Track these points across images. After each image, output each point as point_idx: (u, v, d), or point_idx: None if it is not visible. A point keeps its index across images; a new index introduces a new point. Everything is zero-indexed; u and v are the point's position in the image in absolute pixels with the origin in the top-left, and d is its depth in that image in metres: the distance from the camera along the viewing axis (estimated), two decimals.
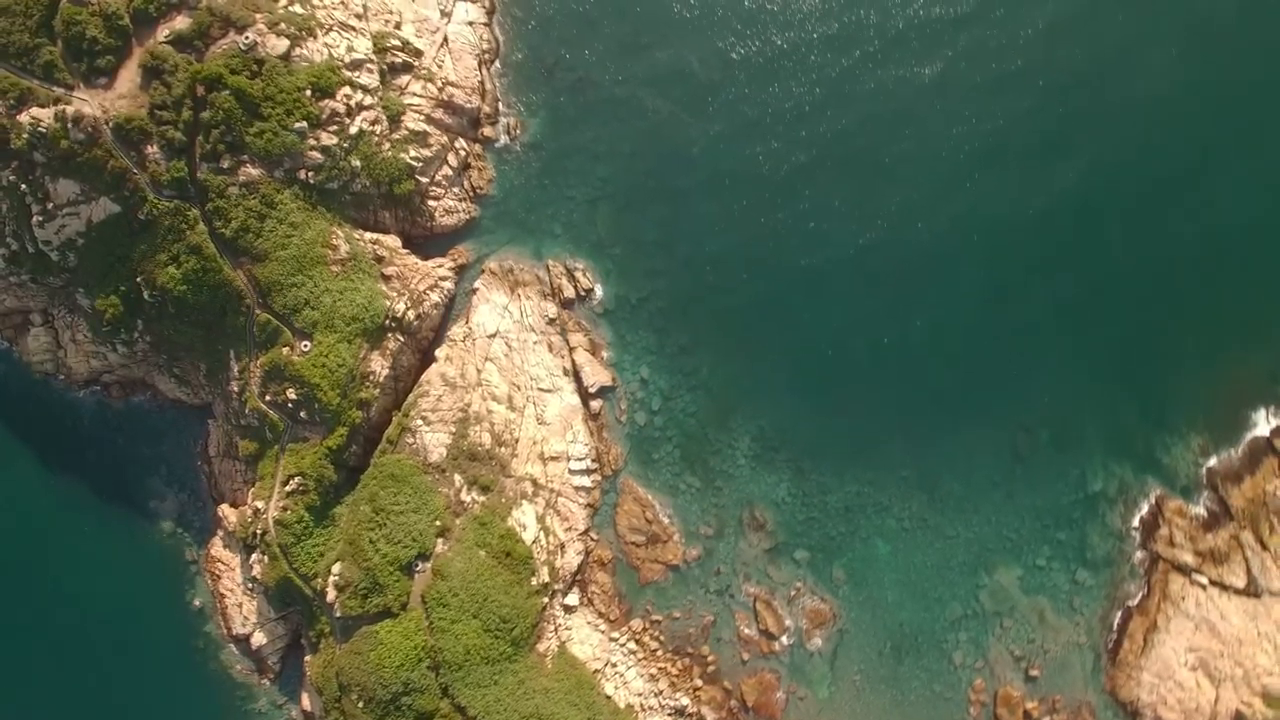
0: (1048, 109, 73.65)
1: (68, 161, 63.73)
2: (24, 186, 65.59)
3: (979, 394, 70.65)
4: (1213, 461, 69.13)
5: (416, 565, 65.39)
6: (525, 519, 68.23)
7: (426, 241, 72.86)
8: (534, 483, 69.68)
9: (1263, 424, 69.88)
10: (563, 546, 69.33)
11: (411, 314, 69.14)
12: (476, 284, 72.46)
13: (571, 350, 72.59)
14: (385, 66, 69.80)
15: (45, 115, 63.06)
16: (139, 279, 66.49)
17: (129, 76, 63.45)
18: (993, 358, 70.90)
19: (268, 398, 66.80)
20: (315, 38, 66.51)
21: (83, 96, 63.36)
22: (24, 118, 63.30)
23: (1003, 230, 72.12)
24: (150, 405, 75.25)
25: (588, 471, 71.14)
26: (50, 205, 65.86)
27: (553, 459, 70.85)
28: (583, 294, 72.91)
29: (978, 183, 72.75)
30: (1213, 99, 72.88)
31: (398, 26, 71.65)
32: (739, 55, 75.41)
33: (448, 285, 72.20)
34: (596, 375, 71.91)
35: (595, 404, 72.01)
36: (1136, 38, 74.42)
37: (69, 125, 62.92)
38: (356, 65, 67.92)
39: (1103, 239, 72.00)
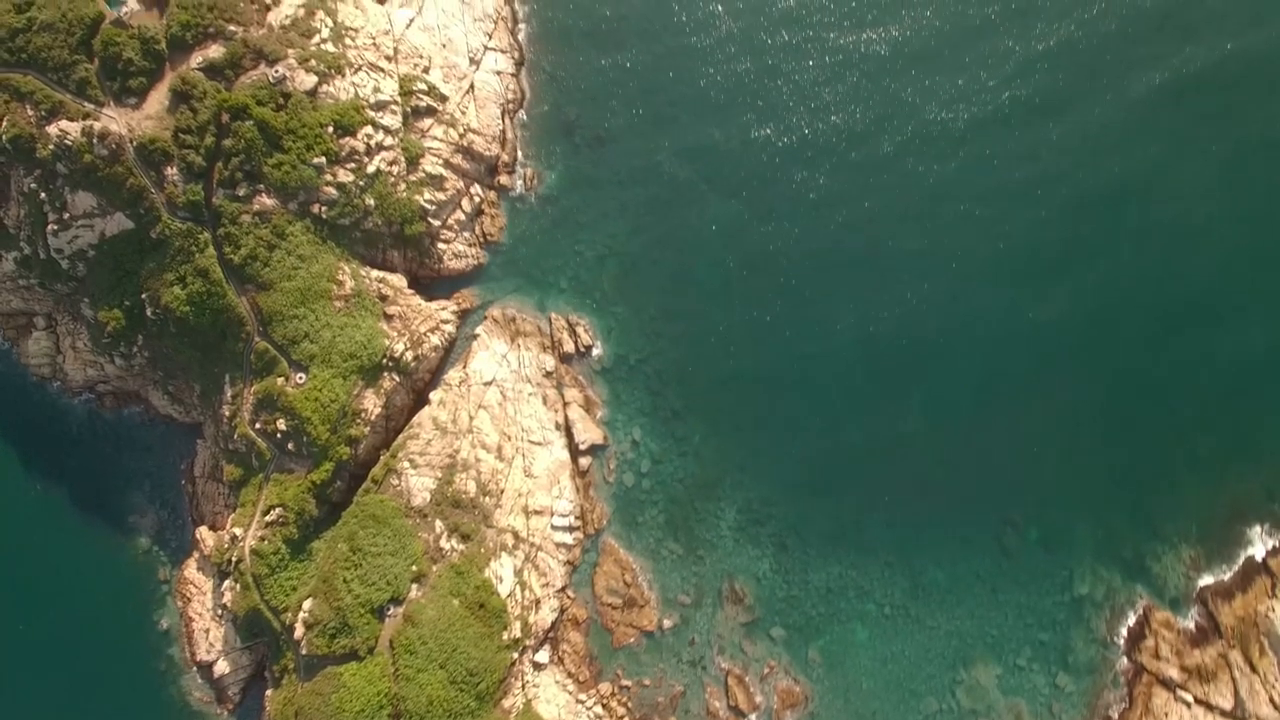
0: (1066, 220, 74.18)
1: (89, 175, 64.69)
2: (44, 195, 66.59)
3: (968, 485, 69.98)
4: (1205, 579, 68.10)
5: (388, 609, 64.42)
6: (503, 571, 67.38)
7: (433, 283, 73.27)
8: (515, 535, 68.96)
9: (1258, 541, 68.99)
10: (538, 602, 68.33)
11: (410, 355, 69.19)
12: (478, 330, 72.61)
13: (566, 405, 72.41)
14: (409, 109, 70.95)
15: (73, 129, 64.18)
16: (144, 295, 66.90)
17: (158, 99, 64.65)
18: (985, 450, 70.35)
19: (258, 425, 66.64)
20: (343, 76, 67.79)
21: (111, 114, 64.53)
22: (53, 129, 64.53)
23: (1007, 332, 72.25)
24: (141, 419, 75.12)
25: (570, 529, 70.44)
26: (67, 215, 66.71)
27: (536, 513, 70.20)
28: (582, 350, 72.99)
29: (987, 284, 73.09)
30: (1233, 230, 73.55)
31: (426, 71, 72.98)
32: (762, 135, 76.43)
33: (449, 329, 72.35)
34: (588, 432, 71.64)
35: (584, 461, 71.59)
36: (1166, 158, 75.30)
37: (94, 140, 63.96)
38: (381, 106, 69.10)
39: (1107, 349, 71.93)
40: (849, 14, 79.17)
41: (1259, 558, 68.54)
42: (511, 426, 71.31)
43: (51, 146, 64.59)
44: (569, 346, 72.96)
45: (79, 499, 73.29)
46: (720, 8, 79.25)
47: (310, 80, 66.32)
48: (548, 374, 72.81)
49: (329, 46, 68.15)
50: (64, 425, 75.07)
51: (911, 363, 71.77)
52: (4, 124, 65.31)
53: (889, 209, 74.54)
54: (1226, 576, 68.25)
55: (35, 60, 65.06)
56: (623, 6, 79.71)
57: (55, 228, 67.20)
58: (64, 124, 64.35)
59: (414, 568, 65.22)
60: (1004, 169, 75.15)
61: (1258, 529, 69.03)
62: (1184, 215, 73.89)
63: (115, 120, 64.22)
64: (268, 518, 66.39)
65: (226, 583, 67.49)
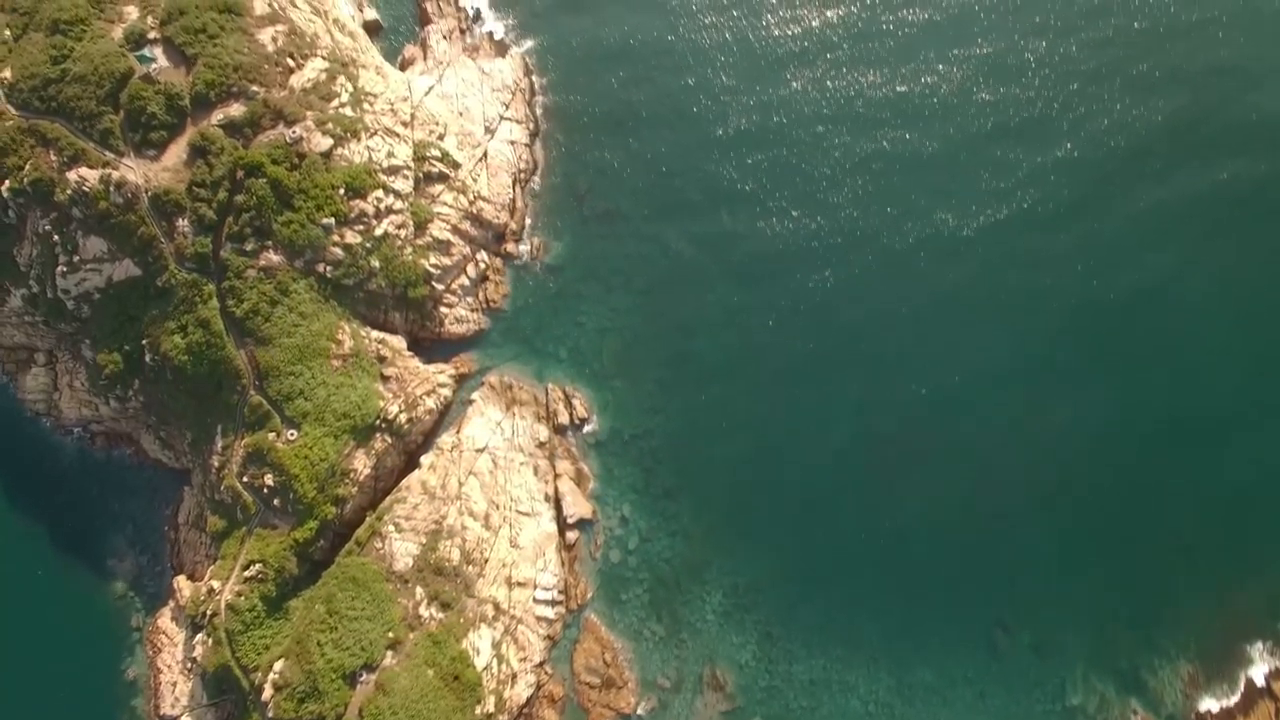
0: (1071, 329, 74.12)
1: (102, 221, 65.82)
2: (57, 237, 67.70)
3: (961, 584, 68.60)
4: (1204, 698, 66.13)
5: (361, 675, 62.90)
6: (481, 643, 65.90)
7: (433, 346, 73.43)
8: (496, 606, 67.67)
9: (1259, 660, 67.26)
10: (514, 677, 66.69)
11: (404, 417, 68.96)
12: (474, 395, 72.46)
13: (557, 477, 71.75)
14: (421, 174, 72.18)
15: (92, 176, 65.51)
16: (144, 341, 67.30)
17: (177, 152, 65.94)
18: (980, 551, 69.18)
19: (245, 479, 66.22)
20: (359, 140, 69.13)
21: (130, 164, 65.82)
22: (72, 175, 65.96)
23: (1008, 437, 71.64)
24: (131, 461, 74.87)
25: (553, 603, 69.13)
26: (77, 258, 67.64)
27: (519, 585, 69.01)
28: (577, 422, 72.62)
29: (990, 389, 72.80)
30: (1238, 345, 73.50)
31: (441, 137, 74.40)
32: (771, 226, 77.22)
33: (446, 392, 72.21)
34: (577, 506, 70.80)
35: (572, 535, 70.63)
36: (1173, 272, 75.40)
37: (111, 188, 65.20)
38: (393, 171, 70.27)
39: (1109, 457, 71.15)
40: (865, 116, 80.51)
41: (1260, 680, 66.57)
42: (501, 495, 70.58)
43: (69, 191, 65.97)
44: (564, 418, 72.62)
45: (60, 537, 72.74)
46: (737, 100, 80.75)
47: (326, 142, 67.63)
48: (541, 444, 72.35)
49: (347, 111, 69.67)
50: (53, 462, 74.97)
51: (909, 460, 71.06)
52: (27, 167, 66.87)
53: (893, 308, 74.70)
54: (1227, 701, 66.23)
55: (64, 109, 66.88)
56: (641, 89, 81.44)
57: (65, 269, 68.12)
58: (84, 171, 65.72)
59: (390, 634, 63.86)
60: (1011, 276, 75.29)
61: (1259, 646, 67.40)
62: (1189, 329, 73.83)
63: (133, 170, 65.45)
64: (247, 573, 65.45)
65: (199, 636, 66.27)
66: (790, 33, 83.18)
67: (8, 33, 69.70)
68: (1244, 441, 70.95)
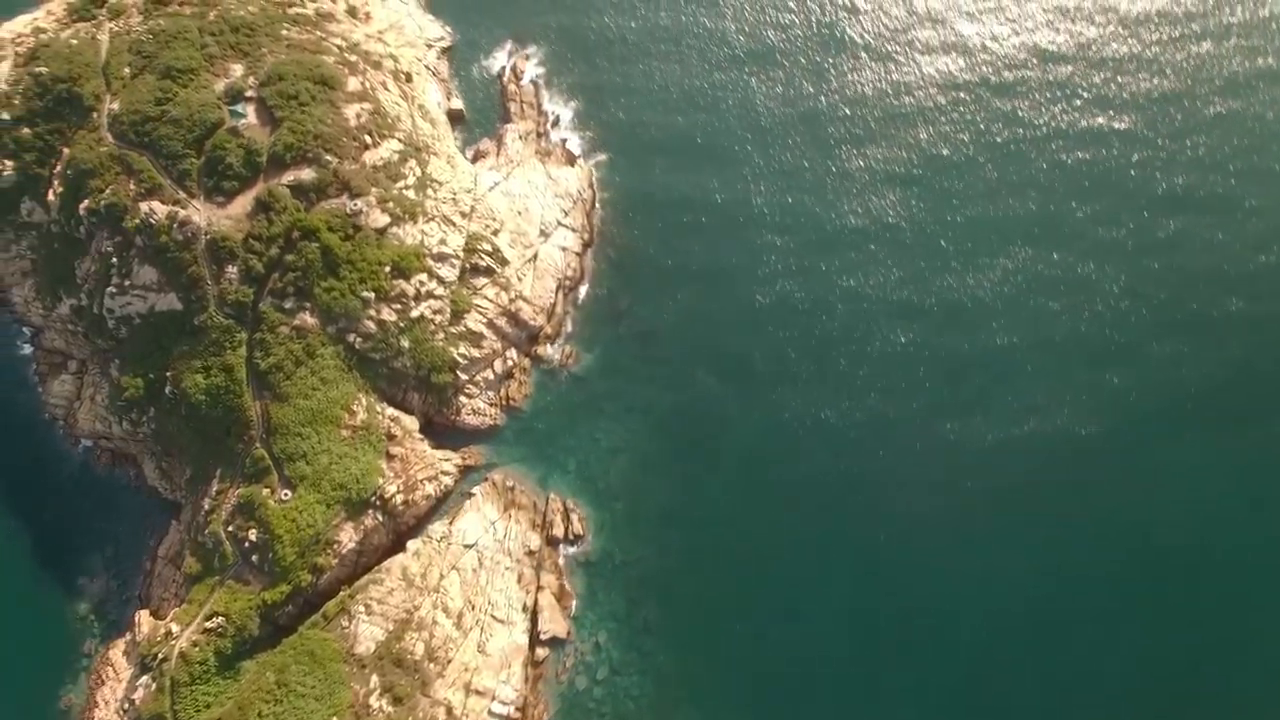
0: (1089, 510, 70.39)
1: (159, 253, 68.31)
2: (115, 259, 70.50)
3: None
4: None
5: None
6: None
7: (445, 432, 73.05)
8: (449, 711, 64.82)
9: None
10: None
11: (400, 498, 68.28)
12: (474, 490, 71.39)
13: (539, 589, 69.67)
14: (469, 265, 73.49)
15: (161, 210, 68.46)
16: (168, 373, 68.59)
17: (243, 203, 68.55)
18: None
19: (230, 528, 65.80)
20: (416, 222, 70.99)
21: (197, 207, 68.64)
22: (144, 206, 69.15)
23: (1009, 605, 67.71)
24: (129, 483, 75.15)
25: (508, 718, 66.22)
26: (128, 283, 70.04)
27: (478, 693, 66.22)
28: (571, 537, 70.95)
29: (990, 554, 69.10)
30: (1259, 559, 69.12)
31: (495, 233, 76.01)
32: (801, 369, 75.99)
33: (447, 481, 71.43)
34: (554, 623, 68.39)
35: (542, 652, 67.93)
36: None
37: (175, 225, 67.90)
38: (442, 258, 71.72)
39: (1114, 632, 66.76)
40: (913, 307, 78.49)
41: None
42: (479, 597, 68.71)
43: (138, 220, 68.99)
44: (559, 530, 71.07)
45: (41, 543, 72.60)
46: (788, 266, 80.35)
47: (383, 220, 69.58)
48: (530, 552, 70.68)
49: (410, 193, 71.87)
50: (57, 468, 75.63)
51: (904, 621, 67.24)
52: (107, 191, 70.45)
53: (913, 469, 72.07)
54: None
55: (154, 145, 70.66)
56: (699, 231, 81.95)
57: (115, 290, 70.49)
58: (155, 204, 68.71)
59: (335, 719, 61.70)
60: (1047, 496, 71.35)
61: None
62: (1205, 539, 69.44)
63: (199, 212, 68.10)
64: (209, 623, 64.27)
65: (144, 678, 64.70)
66: (852, 210, 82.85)
67: (127, 70, 74.83)
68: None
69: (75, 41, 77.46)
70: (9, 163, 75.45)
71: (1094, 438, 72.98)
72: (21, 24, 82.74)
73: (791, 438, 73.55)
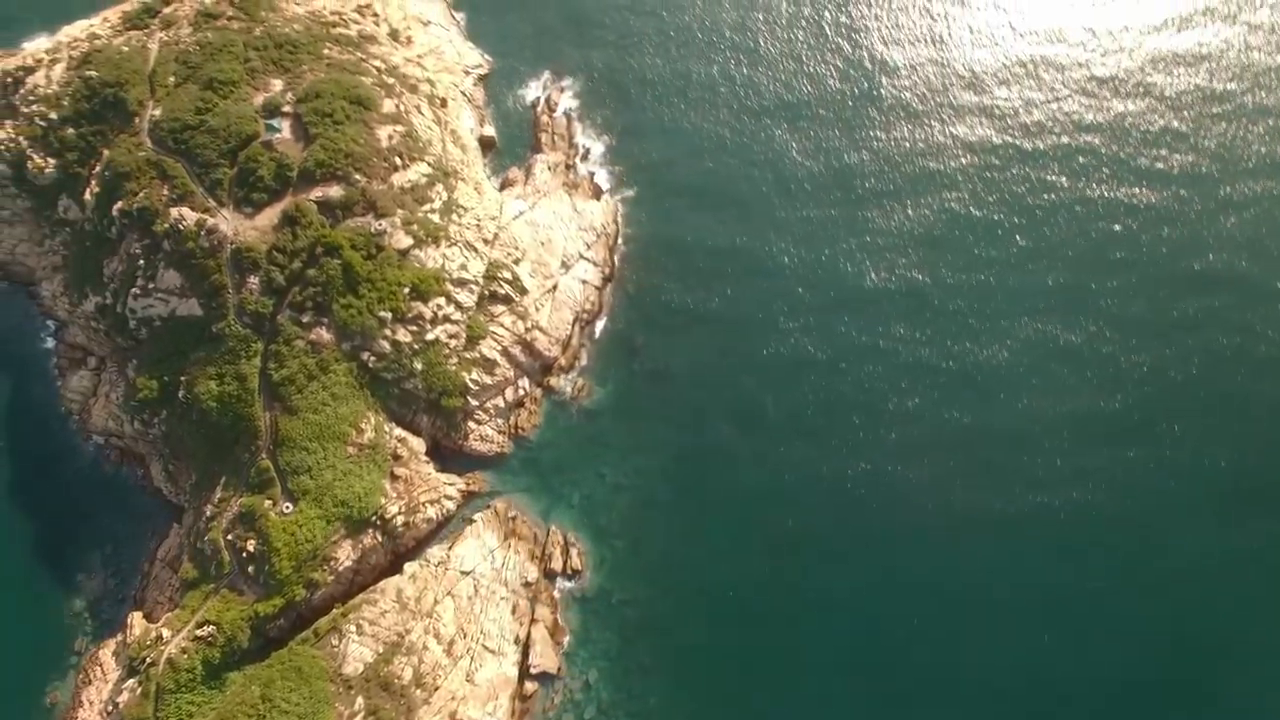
0: (1101, 590, 68.36)
1: (185, 259, 69.37)
2: (142, 261, 71.69)
3: None
4: None
5: None
6: None
7: (451, 457, 73.03)
8: None
9: None
10: None
11: (401, 520, 68.07)
12: (476, 516, 71.05)
13: (533, 622, 68.85)
14: (488, 292, 73.95)
15: (190, 217, 69.65)
16: (183, 377, 69.26)
17: (270, 215, 69.57)
18: None
19: (229, 537, 65.81)
20: (438, 246, 71.64)
21: (226, 216, 69.82)
22: (175, 211, 70.50)
23: (1012, 679, 65.80)
24: (136, 482, 75.54)
25: None
26: (152, 285, 71.12)
27: None
28: (570, 572, 70.25)
29: (994, 627, 67.31)
30: None
31: (516, 262, 76.51)
32: (812, 423, 74.99)
33: (450, 505, 71.15)
34: (545, 658, 67.50)
35: (530, 686, 66.93)
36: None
37: (203, 232, 68.95)
38: (461, 283, 72.20)
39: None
40: (932, 370, 77.34)
41: None
42: (472, 625, 68.03)
43: (167, 225, 70.25)
44: (557, 564, 70.42)
45: (44, 535, 72.88)
46: (807, 321, 79.77)
47: (406, 241, 70.29)
48: (527, 584, 70.01)
49: (435, 217, 72.60)
50: (67, 461, 76.21)
51: (905, 688, 65.59)
52: (141, 194, 71.96)
53: (920, 532, 70.48)
54: None
55: (189, 153, 72.22)
56: (721, 263, 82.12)
57: (139, 292, 71.62)
58: (185, 210, 69.94)
59: None
60: (1056, 575, 69.44)
61: None
62: (1226, 629, 67.12)
63: (227, 222, 69.18)
64: (199, 631, 64.06)
65: (130, 681, 64.46)
66: (875, 267, 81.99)
67: (172, 79, 76.86)
68: None
69: (126, 49, 79.59)
70: (51, 161, 77.34)
71: (1110, 516, 71.03)
72: (79, 29, 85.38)
73: (798, 490, 72.59)
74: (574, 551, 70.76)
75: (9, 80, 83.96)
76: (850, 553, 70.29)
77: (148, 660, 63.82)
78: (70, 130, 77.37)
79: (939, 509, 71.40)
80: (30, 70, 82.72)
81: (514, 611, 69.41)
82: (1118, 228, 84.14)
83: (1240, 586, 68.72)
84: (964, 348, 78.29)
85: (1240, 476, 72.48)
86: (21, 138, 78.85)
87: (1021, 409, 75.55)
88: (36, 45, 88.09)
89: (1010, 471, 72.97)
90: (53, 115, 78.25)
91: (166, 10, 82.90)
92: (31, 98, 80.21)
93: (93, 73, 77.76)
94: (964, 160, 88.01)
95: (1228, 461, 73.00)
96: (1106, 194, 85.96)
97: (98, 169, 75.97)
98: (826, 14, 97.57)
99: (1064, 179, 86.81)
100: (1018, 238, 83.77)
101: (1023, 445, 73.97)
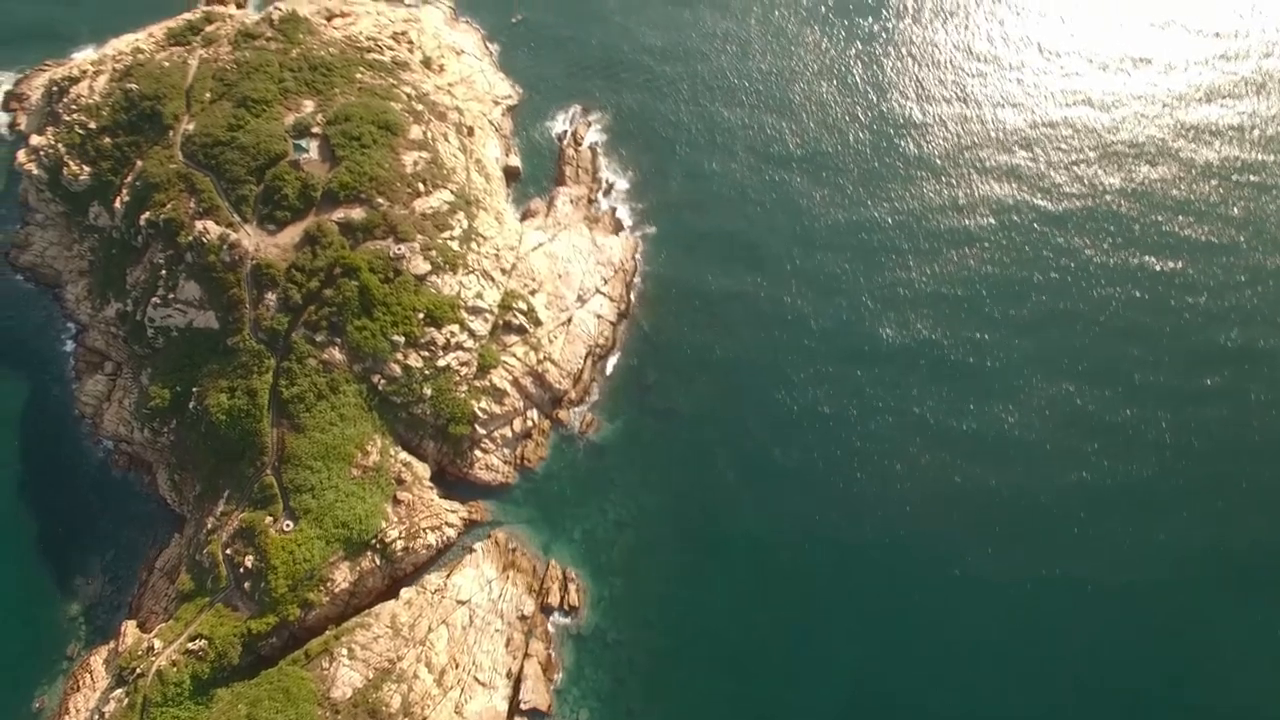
0: (1119, 667, 66.49)
1: (205, 271, 70.18)
2: (164, 271, 72.72)
3: None
4: None
5: None
6: None
7: (455, 483, 72.72)
8: None
9: None
10: None
11: (400, 544, 67.67)
12: (476, 545, 70.55)
13: (526, 656, 67.93)
14: (502, 322, 74.14)
15: (214, 231, 70.53)
16: (194, 389, 69.75)
17: (292, 234, 70.40)
18: None
19: (228, 551, 65.68)
20: (455, 273, 72.01)
21: (249, 232, 70.75)
22: (200, 224, 71.52)
23: None
24: (141, 489, 75.77)
25: None
26: (172, 295, 72.03)
27: None
28: (566, 607, 69.43)
29: (1002, 703, 65.34)
30: None
31: (533, 293, 76.78)
32: (820, 478, 73.91)
33: (450, 532, 70.70)
34: (536, 694, 66.39)
35: None
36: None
37: (225, 246, 69.72)
38: (476, 311, 72.44)
39: None
40: (940, 432, 76.21)
41: None
42: (464, 656, 67.19)
43: (191, 237, 71.13)
44: (555, 599, 69.61)
45: (45, 536, 73.13)
46: (815, 345, 79.94)
47: (424, 267, 70.76)
48: (523, 617, 69.18)
49: (454, 244, 73.12)
50: (76, 463, 76.68)
51: None
52: (169, 206, 73.18)
53: (926, 599, 69.07)
54: None
55: (218, 168, 73.45)
56: (737, 307, 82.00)
57: (159, 301, 72.56)
58: (210, 224, 70.86)
59: None
60: (1069, 613, 68.14)
61: None
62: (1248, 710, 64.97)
63: (249, 238, 70.03)
64: (191, 644, 63.66)
65: (118, 691, 64.00)
66: (892, 323, 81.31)
67: (208, 95, 78.58)
68: None
69: (168, 64, 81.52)
70: (86, 168, 78.93)
71: (1121, 588, 69.12)
72: (125, 43, 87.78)
73: (801, 541, 71.59)
74: (572, 587, 69.98)
75: (55, 88, 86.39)
76: (850, 609, 69.01)
77: (137, 671, 63.42)
78: (107, 139, 79.11)
79: (943, 571, 70.05)
80: (75, 80, 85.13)
81: (508, 644, 68.51)
82: (1139, 294, 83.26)
83: (1254, 667, 66.49)
84: (977, 408, 77.19)
85: (1258, 555, 70.58)
86: (60, 144, 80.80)
87: (1033, 474, 74.10)
88: (84, 56, 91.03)
89: (1019, 538, 71.40)
90: (92, 124, 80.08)
91: (209, 29, 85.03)
92: (74, 106, 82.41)
93: (133, 85, 79.62)
94: (985, 219, 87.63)
95: (1244, 540, 71.08)
96: (1128, 260, 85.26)
97: (130, 178, 77.41)
98: (856, 68, 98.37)
99: (1086, 242, 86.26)
100: (1037, 300, 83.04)
101: (1033, 511, 72.47)
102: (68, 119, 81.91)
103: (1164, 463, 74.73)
